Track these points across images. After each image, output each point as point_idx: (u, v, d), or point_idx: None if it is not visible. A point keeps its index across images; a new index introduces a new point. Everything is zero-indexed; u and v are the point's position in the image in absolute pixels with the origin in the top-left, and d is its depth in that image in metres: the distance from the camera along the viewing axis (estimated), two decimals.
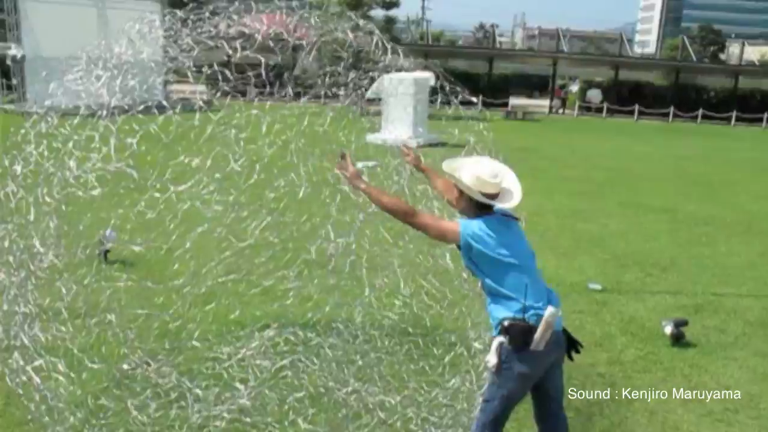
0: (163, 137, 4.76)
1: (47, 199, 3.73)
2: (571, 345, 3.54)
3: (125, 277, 6.10)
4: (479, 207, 3.40)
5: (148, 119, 4.64)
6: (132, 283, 5.97)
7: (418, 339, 5.45)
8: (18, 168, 3.77)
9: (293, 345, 5.28)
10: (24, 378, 3.68)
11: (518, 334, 3.26)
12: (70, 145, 3.80)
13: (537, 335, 3.24)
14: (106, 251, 7.05)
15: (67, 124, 3.88)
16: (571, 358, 3.57)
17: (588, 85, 43.13)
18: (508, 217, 3.48)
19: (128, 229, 7.01)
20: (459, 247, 3.40)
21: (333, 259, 5.77)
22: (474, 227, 3.33)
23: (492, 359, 3.34)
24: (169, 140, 4.90)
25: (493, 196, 3.40)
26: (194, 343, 5.23)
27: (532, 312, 3.29)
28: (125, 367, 4.71)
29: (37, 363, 3.68)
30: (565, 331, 3.50)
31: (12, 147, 3.89)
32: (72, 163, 3.75)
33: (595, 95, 41.49)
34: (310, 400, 4.45)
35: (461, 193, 3.45)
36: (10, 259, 3.76)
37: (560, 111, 41.75)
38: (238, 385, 4.55)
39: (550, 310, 3.24)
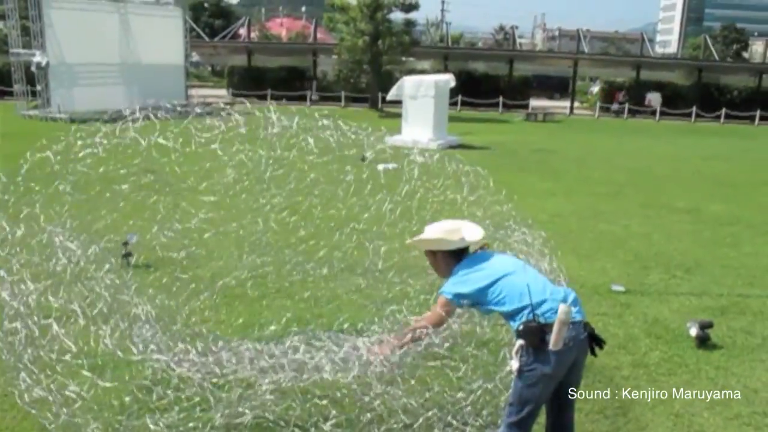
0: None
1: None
2: (594, 341, 3.55)
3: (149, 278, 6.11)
4: (457, 255, 3.73)
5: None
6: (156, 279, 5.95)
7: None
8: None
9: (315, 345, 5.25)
10: (37, 394, 3.58)
11: (533, 334, 3.35)
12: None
13: (553, 334, 3.31)
14: (129, 254, 7.07)
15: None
16: (594, 353, 3.59)
17: (609, 85, 42.61)
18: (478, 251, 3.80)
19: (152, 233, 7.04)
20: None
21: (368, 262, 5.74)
22: (453, 285, 3.63)
23: (514, 363, 3.45)
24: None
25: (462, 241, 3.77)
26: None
27: (545, 310, 3.39)
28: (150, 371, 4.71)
29: (38, 392, 3.53)
30: (587, 326, 3.51)
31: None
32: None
33: (655, 98, 39.11)
34: (332, 403, 4.44)
35: (440, 257, 3.78)
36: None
37: (623, 115, 38.57)
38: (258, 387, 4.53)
39: (562, 308, 3.32)
